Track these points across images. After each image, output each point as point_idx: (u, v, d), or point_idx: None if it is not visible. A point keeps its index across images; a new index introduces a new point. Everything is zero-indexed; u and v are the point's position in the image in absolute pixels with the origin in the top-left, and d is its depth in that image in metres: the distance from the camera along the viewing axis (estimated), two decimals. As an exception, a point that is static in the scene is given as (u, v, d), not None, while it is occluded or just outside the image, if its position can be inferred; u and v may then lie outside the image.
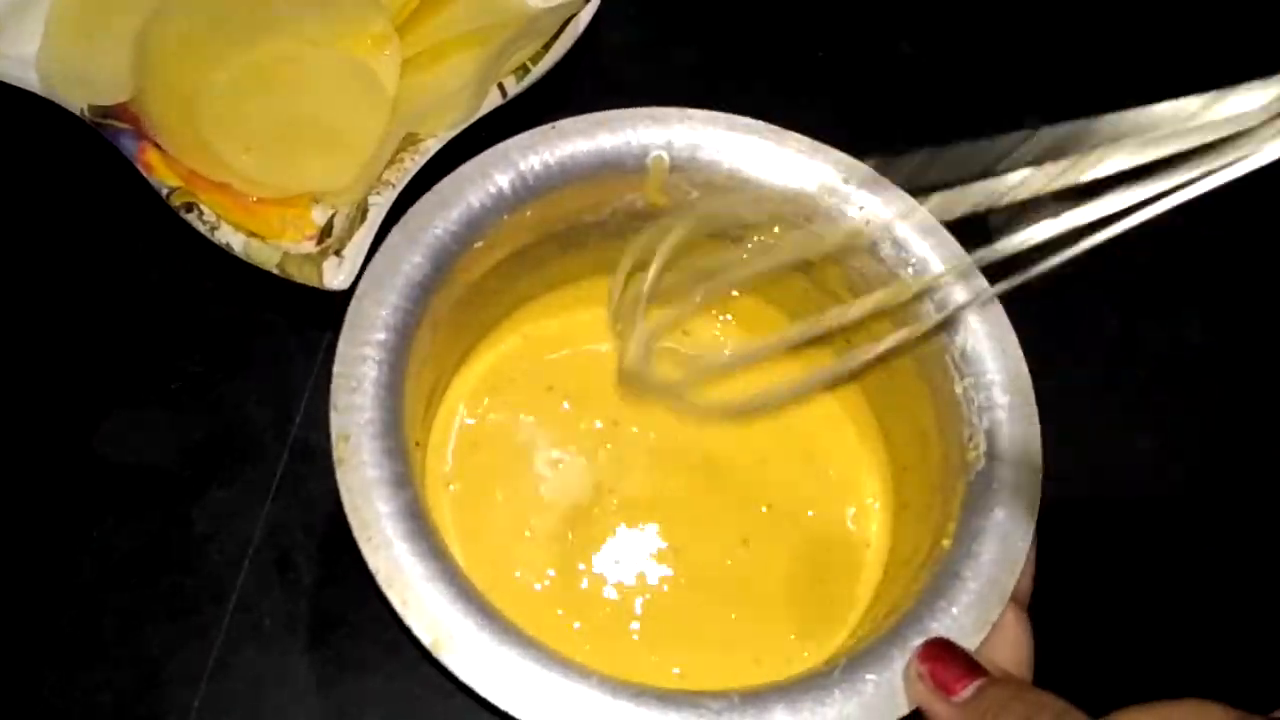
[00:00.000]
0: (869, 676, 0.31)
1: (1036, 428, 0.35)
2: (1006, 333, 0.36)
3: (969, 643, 0.31)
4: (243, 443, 0.44)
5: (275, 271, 0.42)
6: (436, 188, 0.36)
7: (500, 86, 0.46)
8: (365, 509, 0.31)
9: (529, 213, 0.37)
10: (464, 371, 0.41)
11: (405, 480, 0.32)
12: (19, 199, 0.49)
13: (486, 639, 0.30)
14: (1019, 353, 0.36)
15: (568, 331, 0.43)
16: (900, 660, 0.31)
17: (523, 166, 0.37)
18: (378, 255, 0.35)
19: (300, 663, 0.40)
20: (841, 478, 0.41)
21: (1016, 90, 0.55)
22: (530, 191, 0.37)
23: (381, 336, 0.33)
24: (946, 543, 0.33)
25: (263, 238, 0.43)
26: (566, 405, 0.41)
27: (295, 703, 0.40)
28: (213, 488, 0.43)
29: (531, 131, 0.37)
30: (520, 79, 0.47)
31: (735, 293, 0.42)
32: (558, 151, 0.37)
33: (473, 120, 0.46)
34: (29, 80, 0.45)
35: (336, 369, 0.33)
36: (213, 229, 0.42)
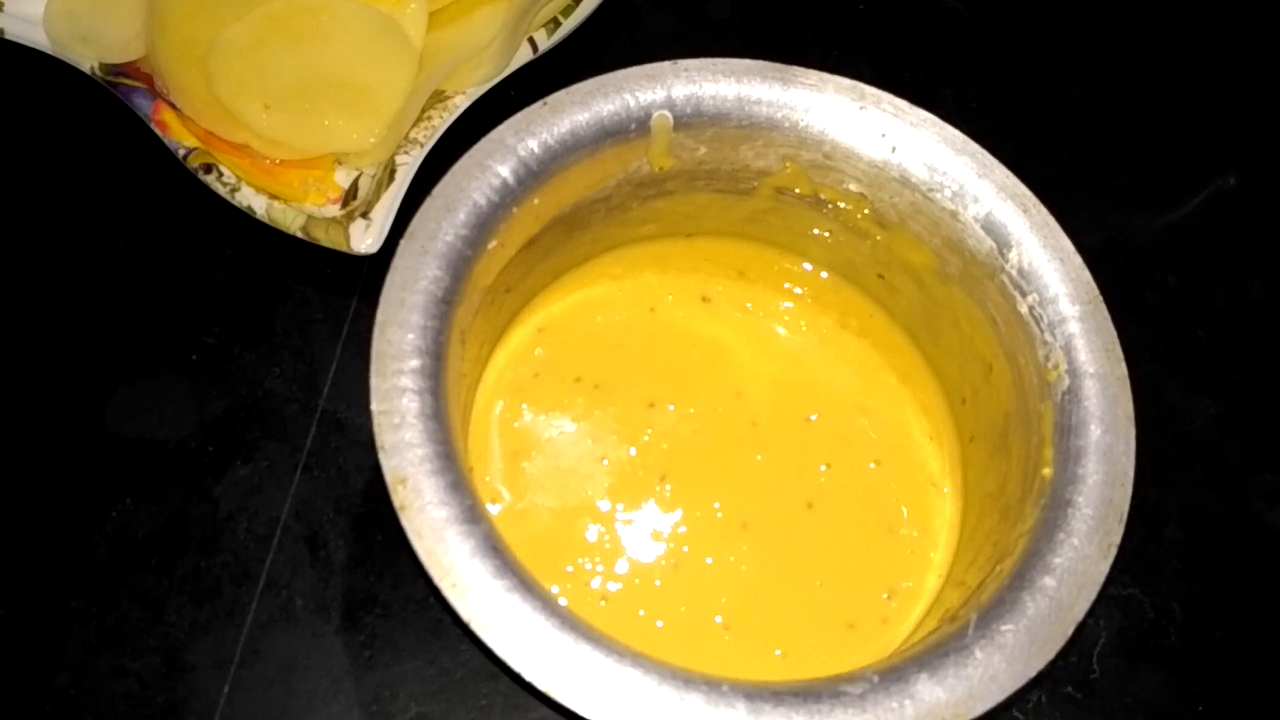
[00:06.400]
0: (1005, 628, 0.29)
1: (1113, 332, 0.33)
2: (1061, 239, 0.34)
3: (1098, 570, 0.30)
4: (266, 416, 0.42)
5: (299, 235, 0.41)
6: (435, 191, 0.33)
7: (531, 41, 0.45)
8: (442, 553, 0.28)
9: (536, 200, 0.34)
10: (485, 379, 0.38)
11: (476, 514, 0.29)
12: (28, 163, 0.46)
13: (612, 673, 0.28)
14: (1078, 259, 0.34)
15: (580, 313, 0.40)
16: (1033, 605, 0.29)
17: (522, 152, 0.34)
18: (390, 275, 0.31)
19: (334, 645, 0.38)
20: (893, 423, 0.39)
21: (1059, 46, 0.53)
22: (534, 177, 0.34)
23: (415, 363, 0.30)
24: (1047, 471, 0.32)
25: (285, 200, 0.41)
26: (598, 393, 0.39)
27: (329, 687, 0.38)
28: (236, 464, 0.41)
29: (523, 112, 0.34)
30: (551, 33, 0.45)
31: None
32: (556, 129, 0.34)
33: (503, 76, 0.44)
34: (38, 39, 0.44)
35: (375, 406, 0.30)
36: (233, 191, 0.41)
